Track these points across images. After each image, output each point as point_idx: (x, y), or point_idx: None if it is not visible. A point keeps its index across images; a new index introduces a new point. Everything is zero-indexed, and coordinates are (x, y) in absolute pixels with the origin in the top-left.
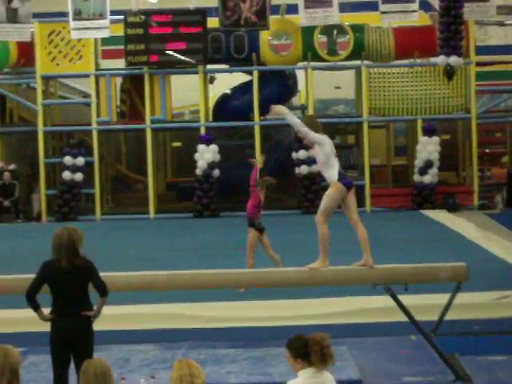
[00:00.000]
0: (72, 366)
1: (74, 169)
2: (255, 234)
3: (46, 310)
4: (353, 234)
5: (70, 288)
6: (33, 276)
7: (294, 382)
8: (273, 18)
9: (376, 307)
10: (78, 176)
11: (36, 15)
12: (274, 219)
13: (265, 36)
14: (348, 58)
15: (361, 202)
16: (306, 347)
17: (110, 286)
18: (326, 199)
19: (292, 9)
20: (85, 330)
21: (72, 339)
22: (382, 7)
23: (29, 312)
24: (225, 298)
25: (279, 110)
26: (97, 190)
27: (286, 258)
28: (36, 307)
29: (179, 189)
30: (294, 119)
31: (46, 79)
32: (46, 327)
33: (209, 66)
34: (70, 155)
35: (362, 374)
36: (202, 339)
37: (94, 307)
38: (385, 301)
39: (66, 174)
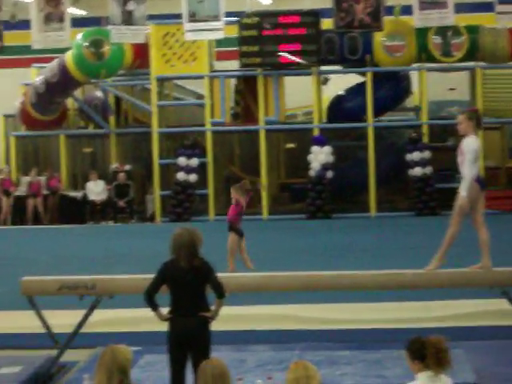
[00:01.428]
0: (189, 366)
1: (188, 170)
2: (235, 238)
3: (164, 310)
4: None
5: (188, 288)
6: (151, 276)
7: None
8: (387, 19)
9: (493, 310)
10: (192, 177)
11: (151, 17)
12: (388, 221)
13: (379, 37)
14: (462, 60)
15: None
16: (423, 349)
17: (227, 287)
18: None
19: (406, 10)
20: (202, 330)
21: (189, 339)
22: (499, 8)
23: (146, 311)
24: (340, 300)
25: None
26: (210, 191)
27: (400, 261)
28: (154, 307)
29: (292, 190)
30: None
31: (161, 81)
32: (163, 327)
33: (322, 68)
34: (184, 156)
35: (478, 378)
36: (318, 341)
37: (212, 308)
38: (502, 304)
39: (180, 175)
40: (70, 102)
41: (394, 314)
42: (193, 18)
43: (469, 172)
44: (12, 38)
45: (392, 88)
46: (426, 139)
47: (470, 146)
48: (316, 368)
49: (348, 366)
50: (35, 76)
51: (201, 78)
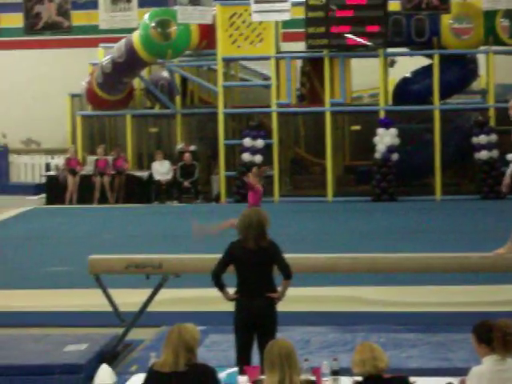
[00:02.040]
0: (254, 346)
1: (254, 151)
2: None
3: (231, 290)
4: None
5: (255, 269)
6: (217, 256)
7: (478, 368)
8: (454, 2)
9: None
10: (257, 158)
11: None
12: (453, 204)
13: (446, 20)
14: None
15: None
16: (490, 333)
17: (294, 268)
18: None
19: None
20: (269, 311)
21: (256, 320)
22: None
23: (213, 291)
24: (405, 283)
25: None
26: (275, 172)
27: (466, 244)
28: (221, 287)
29: (357, 172)
30: None
31: (227, 61)
32: (230, 307)
33: (389, 50)
34: (249, 137)
35: None
36: (382, 323)
37: (278, 289)
38: None
39: (246, 156)
40: (136, 82)
41: (459, 298)
42: None
43: None
44: (79, 18)
45: (459, 71)
46: (492, 122)
47: None
48: (382, 350)
49: (413, 349)
50: (102, 56)
51: (267, 59)
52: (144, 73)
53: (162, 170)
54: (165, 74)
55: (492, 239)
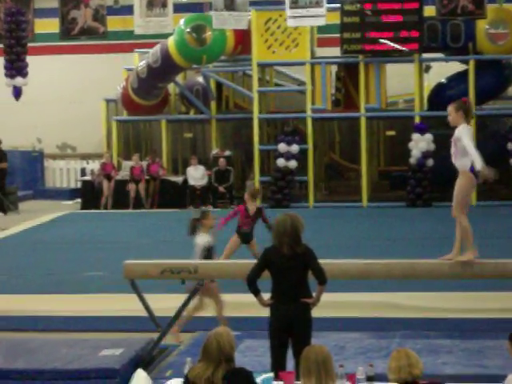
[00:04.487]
0: (289, 352)
1: (288, 156)
2: (236, 239)
3: (266, 296)
4: None
5: (290, 274)
6: (252, 261)
7: None
8: (490, 7)
9: None
10: (292, 163)
11: (253, 3)
12: (488, 210)
13: (481, 25)
14: None
15: None
16: None
17: (329, 274)
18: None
19: None
20: (304, 316)
21: (291, 325)
22: None
23: (248, 296)
24: (440, 289)
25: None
26: (310, 178)
27: (503, 249)
28: (256, 292)
29: (392, 177)
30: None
31: (262, 67)
32: (265, 312)
33: (424, 55)
34: (284, 142)
35: None
36: (418, 329)
37: (313, 294)
38: None
39: (280, 161)
40: (171, 88)
41: (495, 304)
42: (295, 4)
43: (472, 149)
44: (115, 23)
45: (494, 76)
46: None
47: (462, 131)
48: (417, 356)
49: (448, 355)
50: (137, 61)
51: (302, 64)
52: (179, 78)
53: (196, 175)
54: (200, 79)
55: None
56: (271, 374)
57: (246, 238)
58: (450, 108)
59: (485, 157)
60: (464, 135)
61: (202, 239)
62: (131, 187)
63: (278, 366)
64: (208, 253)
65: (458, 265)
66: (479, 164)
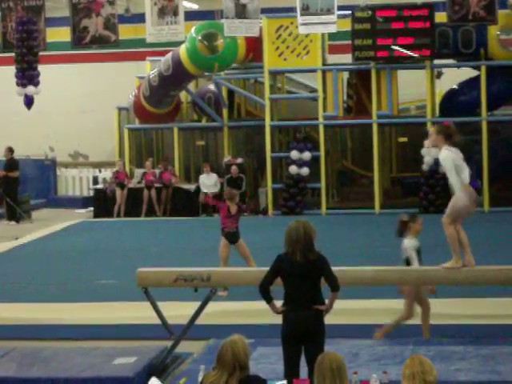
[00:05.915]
0: (303, 359)
1: (301, 163)
2: (224, 242)
3: (279, 303)
4: None
5: (302, 282)
6: (265, 268)
7: None
8: (501, 13)
9: None
10: (304, 170)
11: (264, 10)
12: (502, 216)
13: (493, 31)
14: None
15: None
16: None
17: (342, 281)
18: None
19: None
20: (317, 323)
21: (304, 332)
22: None
23: (260, 304)
24: (453, 295)
25: None
26: (323, 185)
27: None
28: (269, 299)
29: (404, 184)
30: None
31: (274, 74)
32: (277, 320)
33: (436, 61)
34: (296, 149)
35: None
36: (431, 335)
37: (326, 301)
38: None
39: (293, 169)
40: (183, 95)
41: (508, 310)
42: (306, 11)
43: (456, 181)
44: (127, 32)
45: (506, 82)
46: None
47: (443, 156)
48: (431, 363)
49: (462, 362)
50: (149, 69)
51: (313, 71)
52: (191, 86)
53: (209, 182)
54: (212, 86)
55: None
56: (285, 382)
57: (231, 237)
58: (431, 130)
59: (496, 162)
60: (445, 161)
61: (411, 243)
62: (144, 194)
63: (291, 374)
64: (419, 256)
65: (470, 271)
66: (455, 190)
